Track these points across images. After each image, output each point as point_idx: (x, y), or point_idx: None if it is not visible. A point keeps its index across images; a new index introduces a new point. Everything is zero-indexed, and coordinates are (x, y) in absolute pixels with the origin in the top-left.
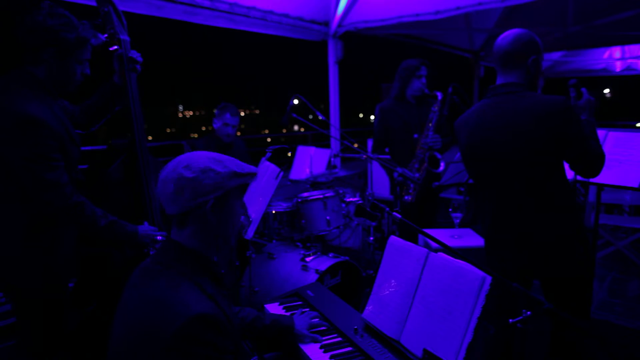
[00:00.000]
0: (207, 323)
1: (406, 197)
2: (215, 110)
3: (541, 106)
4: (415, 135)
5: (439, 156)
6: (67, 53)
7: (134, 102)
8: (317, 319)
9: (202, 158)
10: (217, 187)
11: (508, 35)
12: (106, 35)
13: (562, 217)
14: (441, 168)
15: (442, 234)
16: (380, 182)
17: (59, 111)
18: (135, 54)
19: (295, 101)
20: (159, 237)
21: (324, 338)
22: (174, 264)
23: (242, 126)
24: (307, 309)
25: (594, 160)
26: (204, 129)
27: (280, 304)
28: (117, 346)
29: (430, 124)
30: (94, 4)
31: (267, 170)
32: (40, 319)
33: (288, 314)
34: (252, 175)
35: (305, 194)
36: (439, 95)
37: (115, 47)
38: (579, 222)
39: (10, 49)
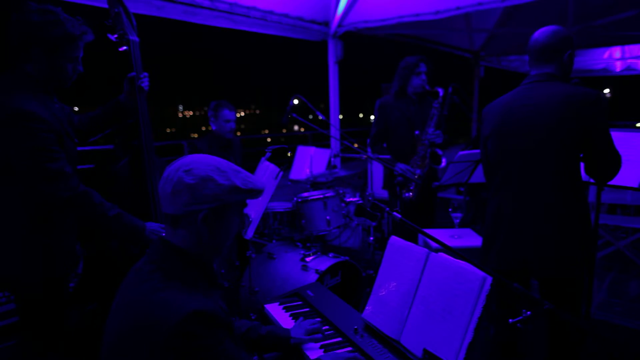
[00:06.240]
0: (204, 318)
1: (406, 194)
2: (209, 112)
3: (577, 94)
4: (417, 132)
5: (440, 152)
6: (54, 51)
7: (143, 117)
8: (318, 324)
9: (205, 165)
10: (215, 199)
11: (546, 29)
12: (116, 36)
13: (574, 217)
14: (443, 164)
15: (442, 234)
16: (380, 182)
17: (53, 106)
18: (144, 75)
19: (295, 101)
20: (163, 233)
21: (323, 338)
22: (166, 264)
23: (242, 126)
24: (308, 309)
25: (613, 160)
26: (204, 129)
27: (280, 304)
28: (110, 348)
29: (431, 120)
30: (105, 5)
31: (267, 170)
32: (41, 318)
33: (288, 314)
34: (256, 193)
35: (305, 194)
36: (441, 91)
37: (125, 47)
38: (587, 225)
39: (4, 48)
